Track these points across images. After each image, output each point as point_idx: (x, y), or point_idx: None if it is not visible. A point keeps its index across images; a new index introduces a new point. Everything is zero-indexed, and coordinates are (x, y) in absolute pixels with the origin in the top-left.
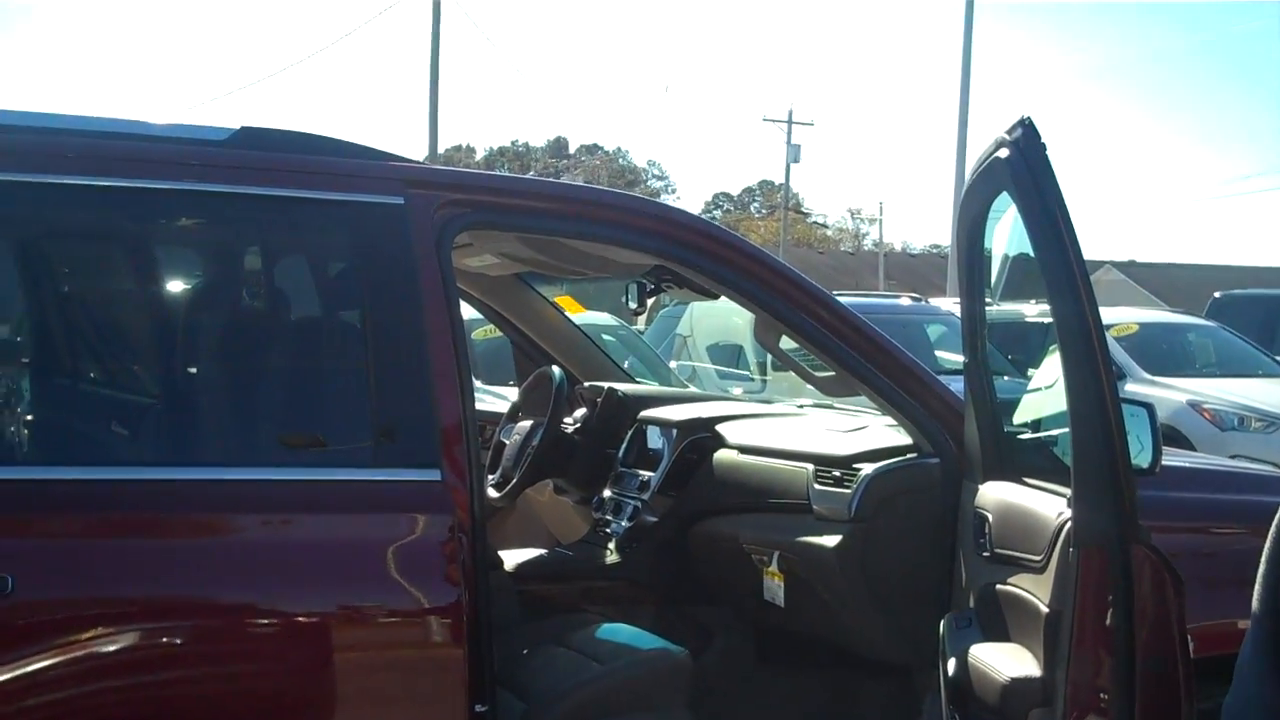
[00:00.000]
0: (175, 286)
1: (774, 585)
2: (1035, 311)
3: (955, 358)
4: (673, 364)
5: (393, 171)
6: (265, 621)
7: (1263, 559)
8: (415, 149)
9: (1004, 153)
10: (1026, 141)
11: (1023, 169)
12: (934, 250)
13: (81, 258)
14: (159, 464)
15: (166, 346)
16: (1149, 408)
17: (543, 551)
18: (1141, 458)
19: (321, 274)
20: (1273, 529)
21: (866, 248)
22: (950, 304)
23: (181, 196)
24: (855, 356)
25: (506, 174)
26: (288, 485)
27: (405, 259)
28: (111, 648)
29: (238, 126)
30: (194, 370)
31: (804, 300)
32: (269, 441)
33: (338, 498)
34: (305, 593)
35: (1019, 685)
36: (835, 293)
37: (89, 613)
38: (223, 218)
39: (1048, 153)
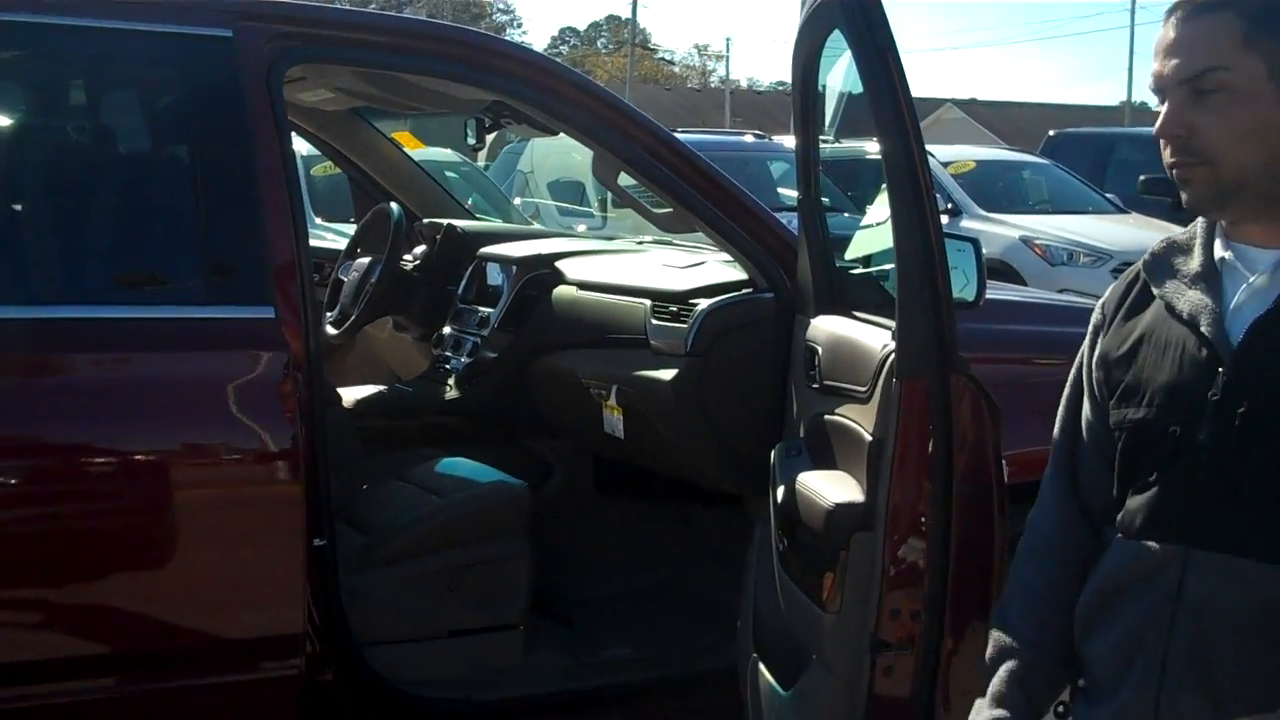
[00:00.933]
0: None
1: (613, 419)
2: (875, 149)
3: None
4: (516, 201)
5: (220, 3)
6: (100, 461)
7: (1067, 383)
8: None
9: None
10: None
11: (854, 7)
12: (780, 88)
13: None
14: None
15: None
16: (974, 243)
17: (382, 388)
18: (966, 291)
19: (149, 109)
20: (1079, 354)
21: (713, 84)
22: (793, 142)
23: None
24: (691, 192)
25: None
26: (118, 323)
27: (234, 93)
28: None
29: None
30: (18, 207)
31: (640, 136)
32: (99, 279)
33: (170, 335)
34: (140, 431)
35: (842, 510)
36: (681, 130)
37: None
38: (42, 50)
39: None
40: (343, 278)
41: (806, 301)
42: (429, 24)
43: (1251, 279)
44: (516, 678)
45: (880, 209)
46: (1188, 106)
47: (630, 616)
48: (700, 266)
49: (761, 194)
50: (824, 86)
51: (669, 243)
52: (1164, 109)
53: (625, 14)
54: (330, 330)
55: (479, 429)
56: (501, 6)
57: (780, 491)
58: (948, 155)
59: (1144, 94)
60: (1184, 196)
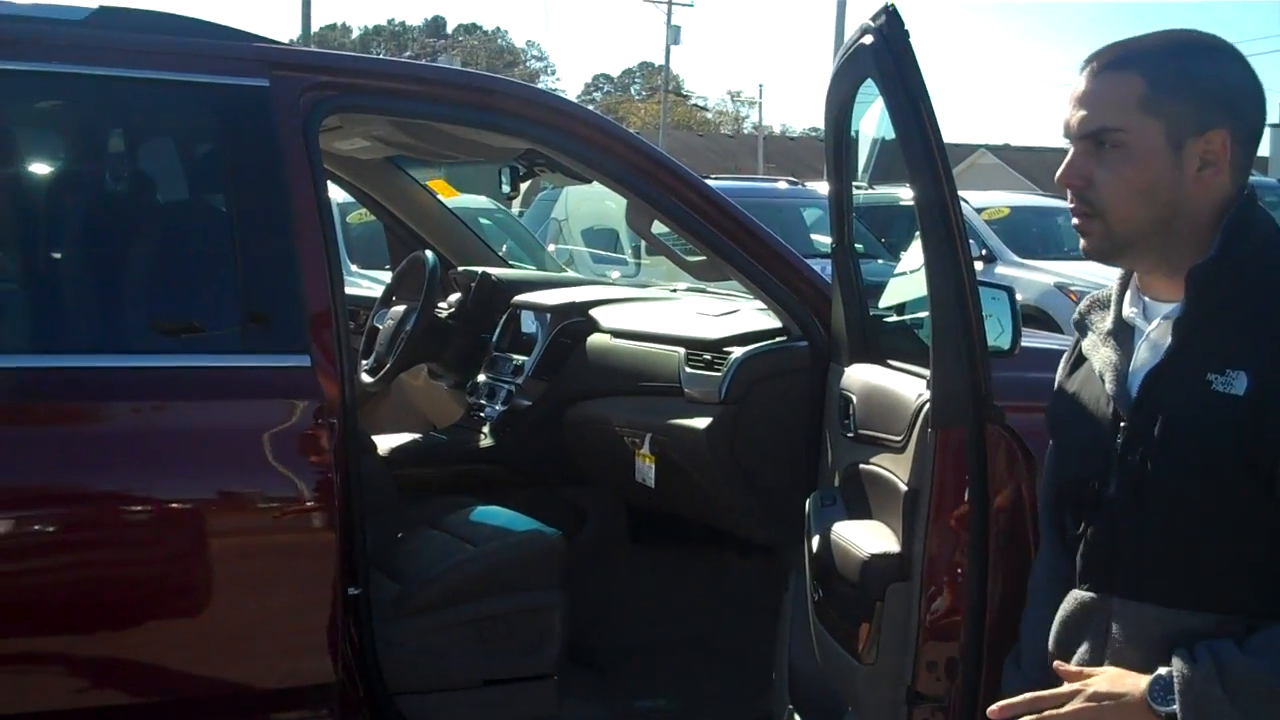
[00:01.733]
0: (38, 172)
1: (645, 467)
2: (909, 196)
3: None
4: (550, 248)
5: (257, 53)
6: (136, 509)
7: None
8: (287, 29)
9: (868, 39)
10: (890, 28)
11: (886, 55)
12: (813, 133)
13: None
14: (27, 351)
15: (30, 233)
16: (1009, 290)
17: (417, 436)
18: (1001, 339)
19: (186, 159)
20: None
21: (746, 130)
22: (827, 187)
23: (37, 78)
24: (724, 240)
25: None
26: (156, 372)
27: (270, 142)
28: None
29: (96, 5)
30: (58, 257)
31: (673, 184)
32: (136, 328)
33: (207, 384)
34: (176, 480)
35: (878, 561)
36: (714, 176)
37: None
38: (82, 100)
39: (910, 39)
40: (378, 325)
41: (841, 350)
42: (463, 73)
43: (1148, 332)
44: None
45: (914, 256)
46: (1088, 158)
47: (664, 666)
48: (734, 314)
49: (794, 240)
50: (857, 132)
51: (703, 290)
52: (1068, 156)
53: (659, 61)
54: (365, 378)
55: (513, 477)
56: (535, 54)
57: (815, 541)
58: (981, 201)
59: None
60: (1081, 244)
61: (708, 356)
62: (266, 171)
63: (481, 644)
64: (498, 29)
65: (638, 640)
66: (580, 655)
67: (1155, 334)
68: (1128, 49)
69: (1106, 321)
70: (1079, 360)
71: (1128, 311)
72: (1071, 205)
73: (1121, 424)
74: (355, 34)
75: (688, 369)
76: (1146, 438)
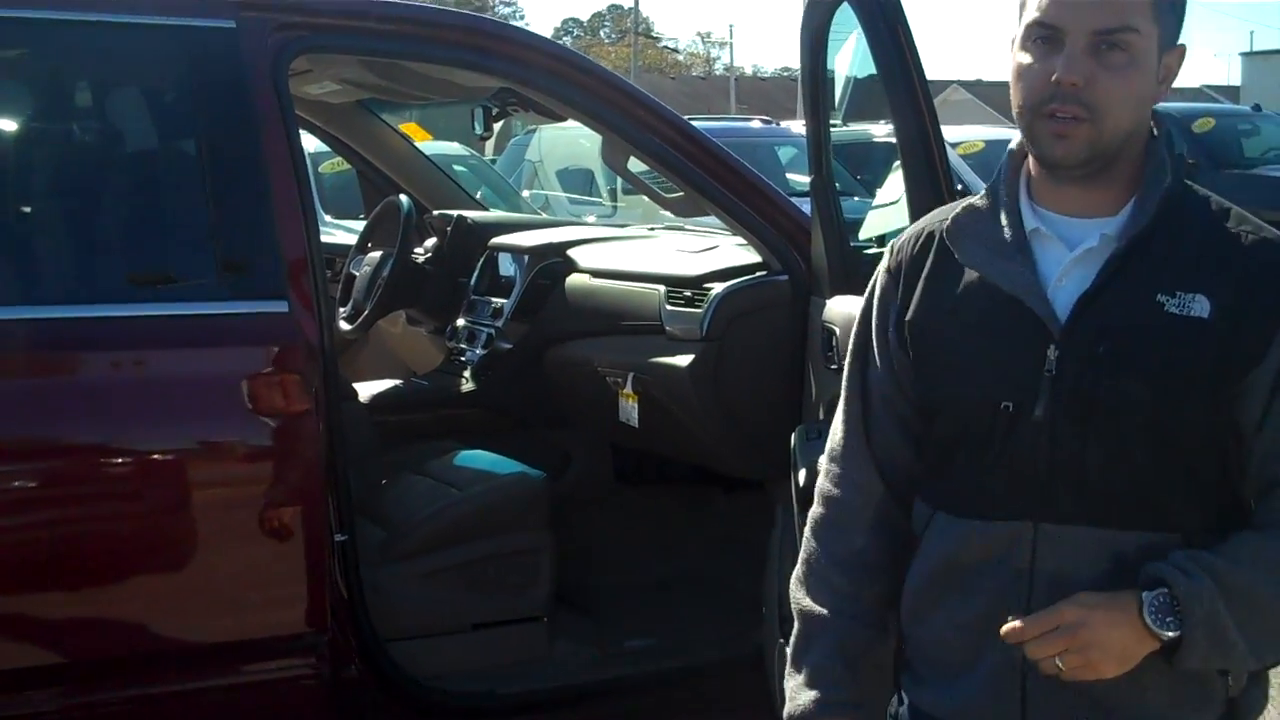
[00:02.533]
0: (1, 121)
1: (629, 406)
2: (883, 132)
3: (806, 179)
4: (525, 193)
5: None
6: (117, 460)
7: (849, 347)
8: None
9: None
10: None
11: None
12: (785, 74)
13: None
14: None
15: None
16: None
17: (398, 382)
18: None
19: (154, 103)
20: (863, 315)
21: (718, 72)
22: (800, 127)
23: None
24: (703, 175)
25: None
26: (131, 321)
27: (239, 85)
28: None
29: None
30: (26, 208)
31: (650, 120)
32: (110, 277)
33: (183, 331)
34: (156, 429)
35: None
36: (687, 118)
37: None
38: (45, 46)
39: None
40: (354, 272)
41: (822, 283)
42: (435, 10)
43: (1075, 251)
44: (540, 670)
45: (892, 188)
46: (1088, 57)
47: (653, 605)
48: (713, 251)
49: (770, 179)
50: (832, 70)
51: (680, 228)
52: (1064, 56)
53: (628, 3)
54: (344, 325)
55: (496, 421)
56: None
57: (802, 474)
58: (956, 136)
59: None
60: (1050, 149)
61: (688, 293)
62: (236, 115)
63: (469, 588)
64: None
65: (626, 580)
66: (569, 596)
67: (1079, 253)
68: None
69: (1002, 234)
70: (941, 271)
71: (1032, 224)
72: (1054, 107)
73: (1051, 345)
74: None
75: (668, 307)
76: (1090, 358)
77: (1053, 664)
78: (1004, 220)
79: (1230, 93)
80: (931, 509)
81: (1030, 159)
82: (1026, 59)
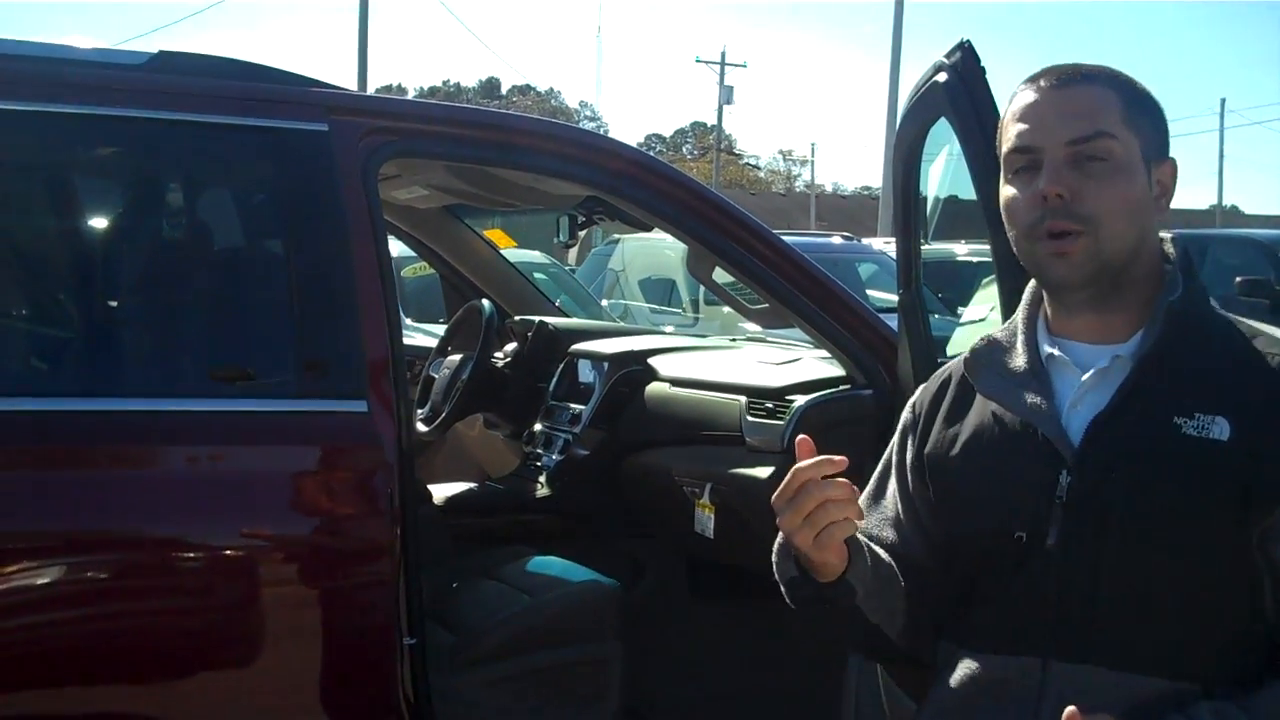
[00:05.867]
0: (98, 217)
1: (705, 517)
2: (965, 251)
3: (887, 296)
4: (605, 302)
5: (315, 97)
6: (192, 555)
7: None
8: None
9: (942, 76)
10: (965, 65)
11: (960, 92)
12: (865, 192)
13: None
14: (85, 395)
15: (88, 277)
16: None
17: (473, 485)
18: None
19: (243, 203)
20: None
21: (798, 189)
22: (881, 243)
23: (98, 122)
24: (788, 287)
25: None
26: (213, 416)
27: (329, 187)
28: (37, 582)
29: (155, 51)
30: (115, 304)
31: (736, 230)
32: (193, 373)
33: (263, 429)
34: (232, 525)
35: None
36: None
37: (12, 546)
38: (140, 144)
39: (986, 76)
40: (434, 375)
41: (907, 398)
42: (525, 118)
43: (1085, 376)
44: None
45: (981, 306)
46: (1071, 170)
47: None
48: (796, 363)
49: None
50: (923, 190)
51: (763, 340)
52: (1044, 171)
53: (711, 120)
54: (421, 427)
55: (570, 527)
56: (588, 114)
57: None
58: None
59: (1235, 197)
60: (1053, 270)
61: (770, 405)
62: (325, 218)
63: (538, 696)
64: (551, 89)
65: (697, 694)
66: (638, 709)
67: (1090, 378)
68: (1085, 69)
69: (1017, 360)
70: (959, 405)
71: (1048, 350)
72: (1048, 225)
73: (1063, 470)
74: (411, 95)
75: (749, 418)
76: (1103, 483)
77: None
78: (1020, 348)
79: None
80: (954, 645)
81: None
82: (1012, 190)
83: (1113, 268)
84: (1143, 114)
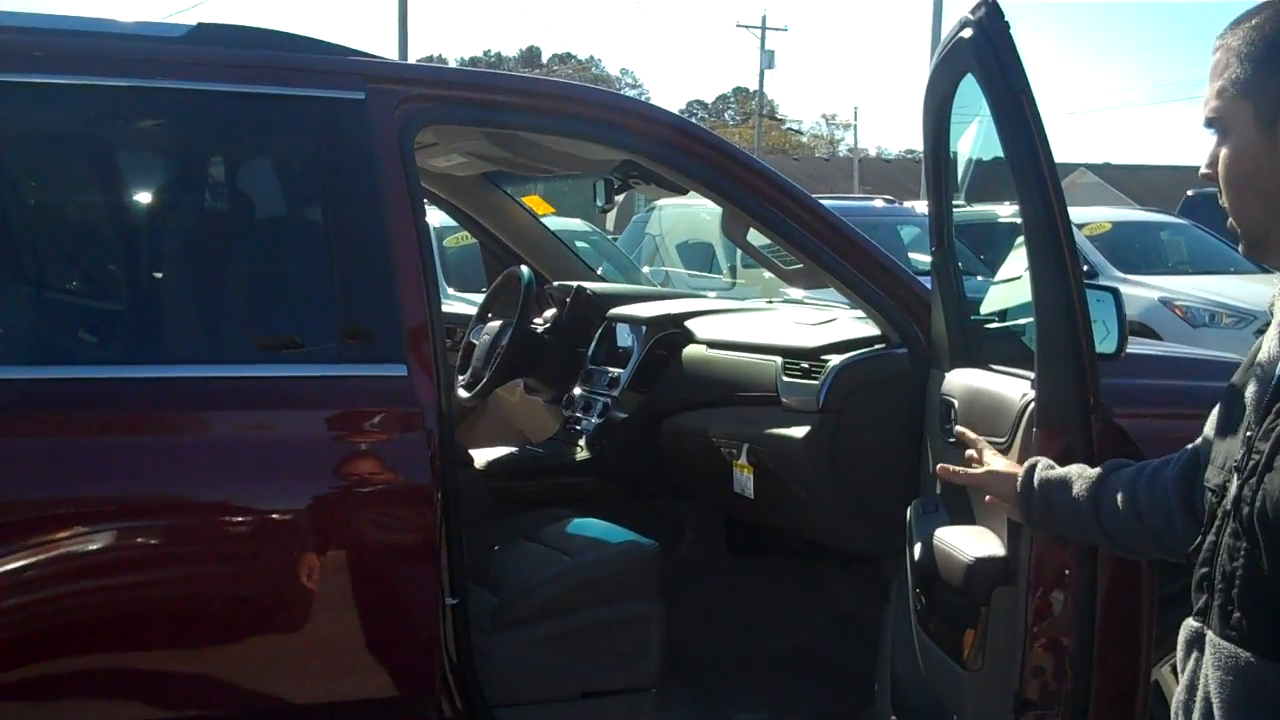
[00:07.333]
0: (139, 187)
1: (743, 477)
2: (1008, 213)
3: (928, 258)
4: (645, 269)
5: (352, 66)
6: (239, 519)
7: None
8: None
9: (967, 32)
10: (990, 20)
11: (986, 48)
12: (909, 155)
13: (42, 158)
14: (131, 362)
15: (132, 247)
16: (1115, 291)
17: (513, 449)
18: (1107, 343)
19: (283, 172)
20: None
21: (841, 153)
22: (924, 207)
23: (139, 94)
24: (823, 248)
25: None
26: (256, 381)
27: (367, 155)
28: (89, 548)
29: (194, 23)
30: (159, 273)
31: (771, 192)
32: (235, 339)
33: (304, 393)
34: (276, 489)
35: (983, 564)
36: None
37: (64, 512)
38: (181, 116)
39: (1011, 31)
40: (474, 341)
41: (941, 355)
42: (560, 83)
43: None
44: None
45: (1015, 264)
46: (1216, 146)
47: (764, 679)
48: (832, 323)
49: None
50: (954, 153)
51: (799, 302)
52: None
53: (753, 86)
54: (462, 393)
55: (610, 489)
56: (629, 80)
57: (918, 548)
58: (1082, 217)
59: None
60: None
61: (805, 365)
62: (363, 184)
63: (579, 656)
64: (591, 57)
65: (737, 653)
66: (679, 668)
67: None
68: (1233, 23)
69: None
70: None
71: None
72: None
73: (1248, 431)
74: (451, 64)
75: (785, 378)
76: (1272, 448)
77: None
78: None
79: None
80: None
81: None
82: None
83: (1254, 233)
84: (1261, 80)
